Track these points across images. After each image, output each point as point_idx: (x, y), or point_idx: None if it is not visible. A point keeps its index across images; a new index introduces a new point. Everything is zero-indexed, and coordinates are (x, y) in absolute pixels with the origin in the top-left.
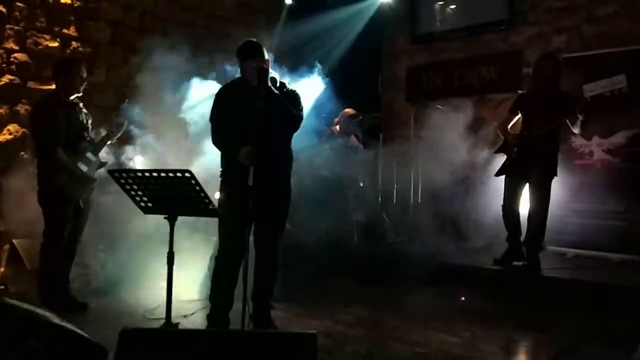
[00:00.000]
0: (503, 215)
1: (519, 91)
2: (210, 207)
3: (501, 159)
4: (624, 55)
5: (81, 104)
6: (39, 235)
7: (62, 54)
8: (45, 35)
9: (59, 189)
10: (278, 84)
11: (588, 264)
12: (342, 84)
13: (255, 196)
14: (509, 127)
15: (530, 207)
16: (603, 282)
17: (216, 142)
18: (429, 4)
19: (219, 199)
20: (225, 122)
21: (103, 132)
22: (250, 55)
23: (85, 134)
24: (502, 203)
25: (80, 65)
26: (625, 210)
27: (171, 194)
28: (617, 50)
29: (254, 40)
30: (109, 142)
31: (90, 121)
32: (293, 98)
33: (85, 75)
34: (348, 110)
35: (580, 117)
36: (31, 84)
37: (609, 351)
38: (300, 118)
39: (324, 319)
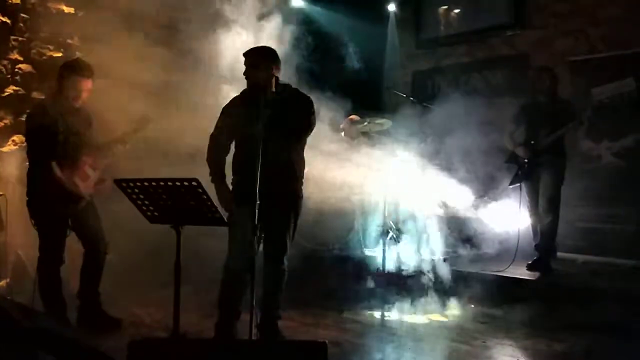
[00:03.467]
0: (532, 221)
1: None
2: (217, 216)
3: (511, 167)
4: (631, 58)
5: (84, 110)
6: None
7: None
8: (49, 46)
9: (49, 204)
10: (290, 90)
11: (599, 269)
12: (347, 90)
13: (265, 205)
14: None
15: (540, 213)
16: (616, 288)
17: (208, 156)
18: (433, 9)
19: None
20: (224, 136)
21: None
22: (255, 62)
23: (84, 145)
24: (528, 211)
25: (87, 70)
26: (636, 214)
27: (178, 203)
28: (625, 53)
29: (263, 45)
30: (122, 144)
31: (93, 126)
32: (304, 103)
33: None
34: (353, 116)
35: (585, 124)
36: (35, 95)
37: (623, 358)
38: (311, 124)
39: (332, 328)
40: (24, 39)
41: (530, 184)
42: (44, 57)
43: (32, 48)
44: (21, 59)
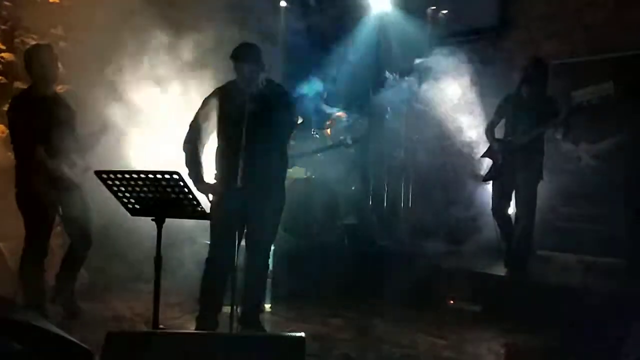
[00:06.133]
0: (495, 219)
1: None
2: (199, 209)
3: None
4: (612, 62)
5: (63, 98)
6: (23, 235)
7: None
8: (33, 35)
9: (37, 194)
10: (274, 87)
11: (574, 267)
12: (334, 88)
13: (247, 200)
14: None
15: (516, 212)
16: (589, 285)
17: (184, 146)
18: (420, 9)
19: (211, 202)
20: (203, 127)
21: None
22: (242, 57)
23: (69, 132)
24: (491, 207)
25: (52, 51)
26: (612, 214)
27: (159, 196)
28: (606, 57)
29: (250, 42)
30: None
31: (74, 118)
32: (287, 101)
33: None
34: (340, 114)
35: (561, 127)
36: (18, 84)
37: (596, 353)
38: (294, 122)
39: (314, 322)
40: (7, 28)
41: (501, 183)
42: (28, 47)
43: (15, 37)
44: (4, 47)
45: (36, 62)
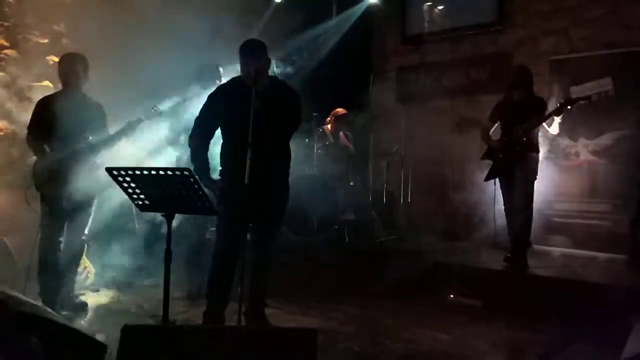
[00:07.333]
0: (507, 217)
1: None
2: (208, 205)
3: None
4: (610, 58)
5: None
6: (29, 231)
7: (52, 50)
8: (35, 32)
9: (39, 183)
10: (278, 84)
11: (574, 262)
12: (333, 84)
13: (252, 196)
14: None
15: (514, 207)
16: (590, 280)
17: (190, 141)
18: (418, 5)
19: (217, 197)
20: (209, 123)
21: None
22: (250, 54)
23: (85, 131)
24: (503, 206)
25: (67, 58)
26: (611, 210)
27: (169, 192)
28: (604, 53)
29: (257, 39)
30: (124, 135)
31: (101, 117)
32: (292, 98)
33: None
34: (339, 110)
35: (558, 119)
36: (20, 81)
37: (598, 348)
38: (299, 119)
39: (316, 316)
40: (10, 25)
41: (505, 179)
42: (30, 43)
43: (17, 34)
44: (7, 44)
45: (60, 67)
